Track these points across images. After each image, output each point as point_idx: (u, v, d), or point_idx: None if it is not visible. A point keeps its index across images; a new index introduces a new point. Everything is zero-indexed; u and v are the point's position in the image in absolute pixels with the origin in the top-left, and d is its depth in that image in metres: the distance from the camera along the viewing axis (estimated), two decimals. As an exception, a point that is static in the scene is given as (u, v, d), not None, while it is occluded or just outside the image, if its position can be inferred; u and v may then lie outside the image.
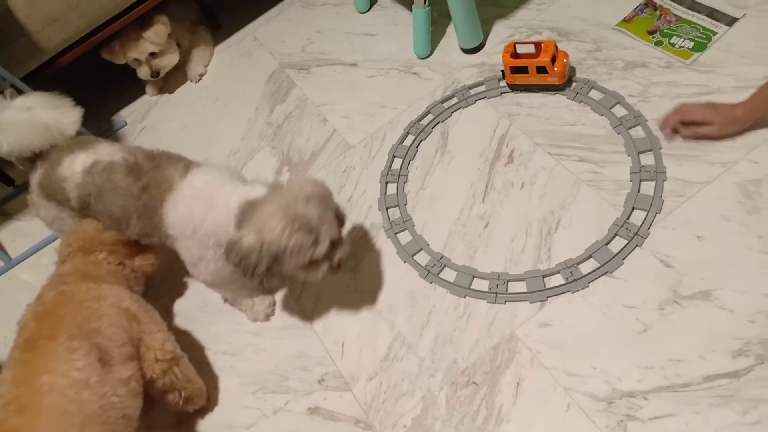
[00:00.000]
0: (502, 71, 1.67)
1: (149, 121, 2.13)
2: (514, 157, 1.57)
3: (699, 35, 1.60)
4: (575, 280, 1.33)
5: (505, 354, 1.29)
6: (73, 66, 1.95)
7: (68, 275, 1.32)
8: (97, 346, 1.14)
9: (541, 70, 1.58)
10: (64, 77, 2.02)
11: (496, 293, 1.37)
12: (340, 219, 1.28)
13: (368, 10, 2.11)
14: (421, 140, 1.70)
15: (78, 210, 1.42)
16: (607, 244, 1.35)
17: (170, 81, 2.21)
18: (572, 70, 1.66)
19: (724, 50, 1.56)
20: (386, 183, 1.65)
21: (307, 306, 1.51)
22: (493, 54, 1.81)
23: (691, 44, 1.59)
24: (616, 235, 1.36)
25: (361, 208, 1.63)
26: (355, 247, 1.56)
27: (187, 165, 1.32)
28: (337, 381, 1.38)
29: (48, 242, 1.88)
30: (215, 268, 1.32)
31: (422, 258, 1.49)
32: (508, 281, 1.38)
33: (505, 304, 1.36)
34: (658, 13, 1.69)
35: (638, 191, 1.40)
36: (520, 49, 1.60)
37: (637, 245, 1.33)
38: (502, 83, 1.72)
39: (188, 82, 2.19)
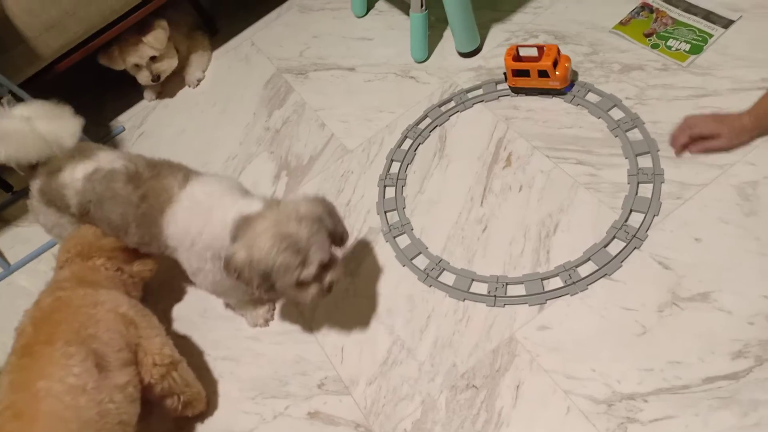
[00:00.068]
0: (504, 74, 1.67)
1: (147, 127, 2.13)
2: (511, 160, 1.57)
3: (695, 38, 1.61)
4: (574, 282, 1.33)
5: (505, 357, 1.29)
6: (71, 72, 1.95)
7: (65, 281, 1.31)
8: (93, 351, 1.14)
9: (543, 74, 1.59)
10: (62, 83, 2.02)
11: (495, 296, 1.37)
12: (339, 239, 1.26)
13: (365, 14, 2.12)
14: (419, 144, 1.71)
15: (78, 217, 1.42)
16: (605, 246, 1.35)
17: (168, 86, 2.21)
18: (574, 74, 1.66)
19: (720, 53, 1.56)
20: (384, 187, 1.65)
21: (306, 311, 1.51)
22: (490, 57, 1.81)
23: (687, 47, 1.60)
24: (614, 237, 1.36)
25: (360, 212, 1.63)
26: (353, 251, 1.56)
27: (187, 174, 1.32)
28: (336, 385, 1.38)
29: (46, 248, 1.87)
30: (214, 280, 1.32)
31: (421, 262, 1.49)
32: (506, 284, 1.38)
33: (504, 307, 1.36)
34: (654, 15, 1.70)
35: (636, 194, 1.40)
36: (523, 52, 1.61)
37: (635, 248, 1.33)
38: (500, 86, 1.72)
39: (186, 87, 2.19)
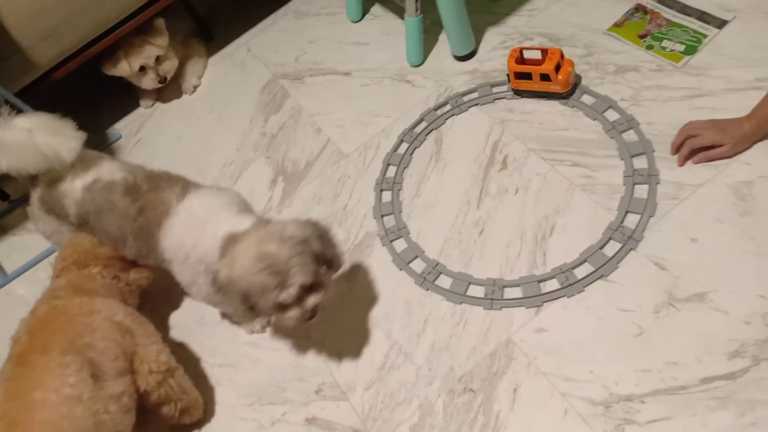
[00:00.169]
0: (507, 76, 1.67)
1: (144, 134, 2.13)
2: (507, 162, 1.57)
3: (689, 38, 1.61)
4: (570, 284, 1.33)
5: (502, 360, 1.29)
6: (67, 80, 1.96)
7: (61, 289, 1.31)
8: (89, 361, 1.14)
9: (545, 77, 1.58)
10: (59, 91, 2.02)
11: (492, 299, 1.37)
12: (328, 263, 1.21)
13: (361, 19, 2.12)
14: (415, 148, 1.71)
15: (77, 226, 1.42)
16: (601, 248, 1.35)
17: (165, 93, 2.22)
18: (578, 78, 1.65)
19: (714, 53, 1.56)
20: (381, 191, 1.66)
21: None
22: (486, 61, 1.81)
23: (681, 47, 1.60)
24: (610, 239, 1.36)
25: (357, 217, 1.63)
26: (350, 255, 1.56)
27: (185, 187, 1.31)
28: (334, 391, 1.38)
29: (44, 257, 1.87)
30: (207, 292, 1.31)
31: (418, 265, 1.49)
32: (503, 287, 1.38)
33: (501, 310, 1.36)
34: (648, 17, 1.70)
35: (632, 195, 1.40)
36: (527, 55, 1.61)
37: (631, 249, 1.33)
38: (495, 89, 1.72)
39: (182, 94, 2.20)
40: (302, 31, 2.19)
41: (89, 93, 2.32)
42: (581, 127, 1.56)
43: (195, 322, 1.59)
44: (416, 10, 1.78)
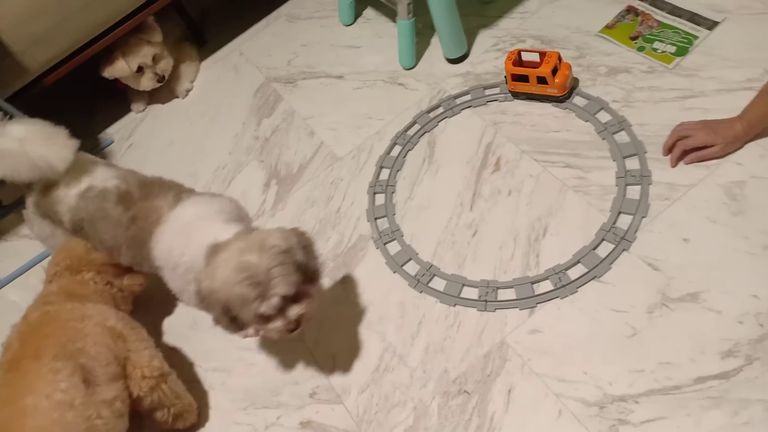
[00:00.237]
0: (505, 77, 1.67)
1: (136, 138, 2.12)
2: (500, 164, 1.57)
3: (681, 40, 1.61)
4: (564, 285, 1.33)
5: (496, 362, 1.29)
6: (59, 85, 1.95)
7: (53, 295, 1.31)
8: (81, 366, 1.13)
9: (542, 80, 1.58)
10: (50, 96, 2.02)
11: (485, 301, 1.37)
12: (309, 274, 1.17)
13: (353, 22, 2.12)
14: (408, 150, 1.71)
15: (72, 231, 1.42)
16: (594, 249, 1.36)
17: (157, 97, 2.21)
18: (575, 81, 1.64)
19: (705, 54, 1.57)
20: (374, 194, 1.65)
21: (297, 319, 1.50)
22: (478, 63, 1.81)
23: (673, 49, 1.61)
24: (603, 239, 1.36)
25: (350, 220, 1.63)
26: (344, 258, 1.56)
27: (178, 195, 1.29)
28: (328, 394, 1.37)
29: (36, 262, 1.87)
30: (198, 301, 1.30)
31: (411, 268, 1.49)
32: (497, 289, 1.38)
33: (494, 311, 1.36)
34: (639, 18, 1.71)
35: (624, 196, 1.40)
36: (525, 57, 1.61)
37: (624, 249, 1.33)
38: (488, 92, 1.73)
39: (175, 98, 2.19)
40: (295, 35, 2.19)
41: (81, 98, 2.31)
42: (573, 128, 1.57)
43: (188, 327, 1.58)
44: (408, 13, 1.78)
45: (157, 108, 2.20)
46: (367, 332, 1.43)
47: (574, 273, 1.34)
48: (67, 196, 1.37)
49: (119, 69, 2.01)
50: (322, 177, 1.75)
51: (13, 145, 1.32)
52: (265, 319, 1.12)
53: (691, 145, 1.38)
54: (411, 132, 1.74)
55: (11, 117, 1.67)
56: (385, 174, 1.68)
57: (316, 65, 2.05)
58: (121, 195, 1.31)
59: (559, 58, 1.58)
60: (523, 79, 1.61)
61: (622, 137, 1.50)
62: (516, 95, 1.68)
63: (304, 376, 1.41)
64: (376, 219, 1.60)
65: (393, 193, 1.64)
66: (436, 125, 1.73)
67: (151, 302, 1.62)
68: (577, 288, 1.32)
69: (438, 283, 1.44)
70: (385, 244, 1.55)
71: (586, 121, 1.56)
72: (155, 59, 2.05)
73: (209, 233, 1.18)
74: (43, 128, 1.38)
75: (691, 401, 1.13)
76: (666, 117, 1.48)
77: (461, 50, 1.82)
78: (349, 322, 1.45)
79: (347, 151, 1.78)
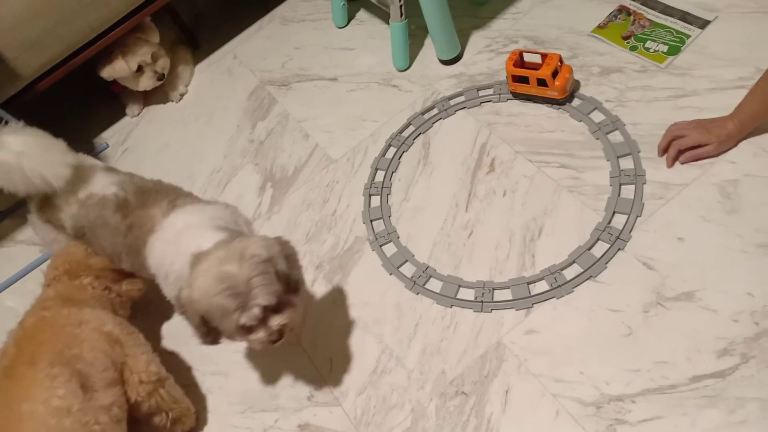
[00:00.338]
0: (507, 78, 1.66)
1: (131, 143, 2.12)
2: (495, 165, 1.58)
3: (673, 39, 1.62)
4: (560, 285, 1.33)
5: (493, 363, 1.29)
6: (53, 89, 1.94)
7: (50, 300, 1.31)
8: (78, 372, 1.13)
9: (542, 82, 1.58)
10: (44, 101, 2.01)
11: (482, 302, 1.38)
12: (291, 284, 1.15)
13: (346, 25, 2.12)
14: (403, 152, 1.71)
15: (74, 237, 1.42)
16: (589, 248, 1.36)
17: (151, 101, 2.21)
18: (576, 84, 1.63)
19: (697, 53, 1.58)
20: (370, 196, 1.66)
21: (293, 322, 1.50)
22: (471, 64, 1.82)
23: (665, 48, 1.61)
24: (598, 239, 1.36)
25: (346, 222, 1.63)
26: (340, 261, 1.56)
27: (173, 202, 1.28)
28: (326, 396, 1.37)
29: (32, 268, 1.86)
30: None
31: (408, 269, 1.49)
32: (493, 289, 1.38)
33: (491, 312, 1.36)
34: (631, 18, 1.71)
35: (618, 195, 1.41)
36: (528, 58, 1.61)
37: (619, 249, 1.34)
38: (481, 93, 1.73)
39: (169, 102, 2.19)
40: (288, 38, 2.19)
41: (75, 103, 2.31)
42: (567, 128, 1.57)
43: (186, 331, 1.54)
44: (401, 15, 1.79)
45: (151, 112, 2.20)
46: (363, 334, 1.43)
47: (569, 273, 1.35)
48: (68, 203, 1.37)
49: (119, 69, 2.01)
50: (317, 179, 1.75)
51: (9, 158, 1.30)
52: (247, 330, 1.10)
53: (685, 145, 1.38)
54: (406, 134, 1.74)
55: (6, 123, 1.67)
56: (380, 176, 1.69)
57: (309, 68, 2.05)
58: (119, 203, 1.31)
59: (561, 61, 1.58)
60: (524, 80, 1.61)
61: (615, 137, 1.50)
62: (517, 96, 1.67)
63: (302, 378, 1.41)
64: (371, 221, 1.60)
65: (388, 194, 1.64)
66: (431, 126, 1.73)
67: (149, 307, 1.61)
68: (573, 288, 1.33)
69: (434, 285, 1.44)
70: (381, 246, 1.55)
71: (580, 121, 1.57)
72: (153, 58, 2.05)
73: (195, 241, 1.15)
74: (41, 141, 1.37)
75: (688, 400, 1.13)
76: (659, 116, 1.49)
77: (454, 51, 1.83)
78: (346, 324, 1.46)
79: (342, 154, 1.78)
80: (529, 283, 1.36)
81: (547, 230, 1.42)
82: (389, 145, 1.73)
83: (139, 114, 2.20)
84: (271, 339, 1.12)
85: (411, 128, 1.75)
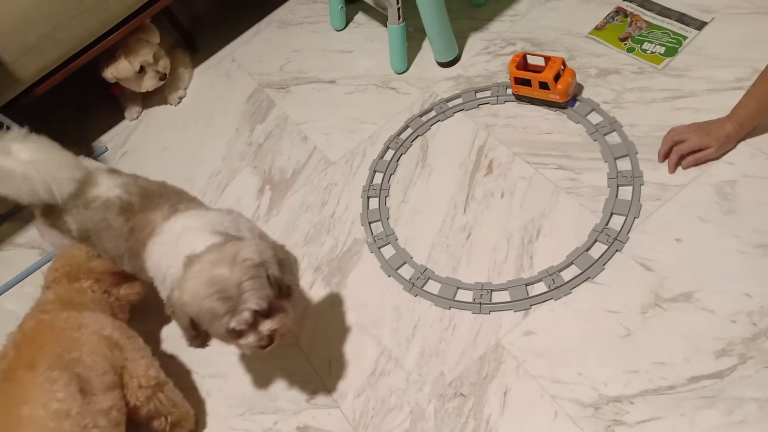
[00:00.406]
0: (510, 80, 1.66)
1: (130, 146, 2.13)
2: (493, 167, 1.58)
3: (670, 40, 1.62)
4: (558, 287, 1.34)
5: (492, 364, 1.30)
6: (51, 93, 1.95)
7: (49, 304, 1.31)
8: (77, 375, 1.13)
9: (544, 85, 1.58)
10: (42, 104, 2.02)
11: (480, 303, 1.38)
12: (284, 288, 1.15)
13: (344, 27, 2.13)
14: (401, 154, 1.71)
15: (79, 240, 1.42)
16: (587, 250, 1.36)
17: (150, 104, 2.22)
18: (579, 88, 1.63)
19: (694, 54, 1.58)
20: (368, 198, 1.66)
21: (293, 325, 1.50)
22: (469, 66, 1.82)
23: (662, 49, 1.62)
24: (596, 240, 1.37)
25: (344, 224, 1.64)
26: (339, 263, 1.57)
27: (174, 206, 1.28)
28: (325, 399, 1.37)
29: (32, 271, 1.87)
30: None
31: (406, 271, 1.49)
32: (491, 291, 1.39)
33: (489, 314, 1.36)
34: (629, 20, 1.72)
35: (616, 196, 1.41)
36: (531, 60, 1.61)
37: (617, 250, 1.34)
38: (479, 95, 1.73)
39: (168, 105, 2.19)
40: (286, 41, 2.19)
41: (73, 107, 2.31)
42: (565, 130, 1.57)
43: None
44: (399, 18, 1.79)
45: (150, 115, 2.20)
46: (362, 336, 1.43)
47: (567, 274, 1.35)
48: (73, 207, 1.37)
49: (122, 69, 2.02)
50: (315, 182, 1.75)
51: (17, 167, 1.30)
52: (237, 334, 1.09)
53: (687, 150, 1.38)
54: (404, 136, 1.74)
55: (8, 128, 1.67)
56: (378, 178, 1.69)
57: (308, 70, 2.06)
58: (123, 205, 1.32)
59: (564, 64, 1.57)
60: (526, 83, 1.61)
61: (613, 138, 1.51)
62: (519, 98, 1.67)
63: (301, 381, 1.42)
64: (370, 223, 1.61)
65: (387, 196, 1.64)
66: (429, 129, 1.73)
67: (148, 310, 1.61)
68: (571, 289, 1.33)
69: (433, 287, 1.44)
70: (379, 248, 1.55)
71: (578, 122, 1.57)
72: (155, 58, 2.06)
73: (190, 244, 1.15)
74: (49, 151, 1.36)
75: (686, 401, 1.13)
76: (656, 117, 1.49)
77: (452, 54, 1.83)
78: (345, 326, 1.46)
79: (340, 156, 1.78)
80: (527, 285, 1.36)
81: (545, 232, 1.43)
82: (387, 148, 1.74)
83: (137, 117, 2.21)
84: (261, 344, 1.11)
85: (409, 130, 1.75)
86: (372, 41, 2.04)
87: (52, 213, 1.41)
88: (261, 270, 1.08)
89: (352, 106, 1.89)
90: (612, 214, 1.39)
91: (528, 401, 1.23)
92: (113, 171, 1.45)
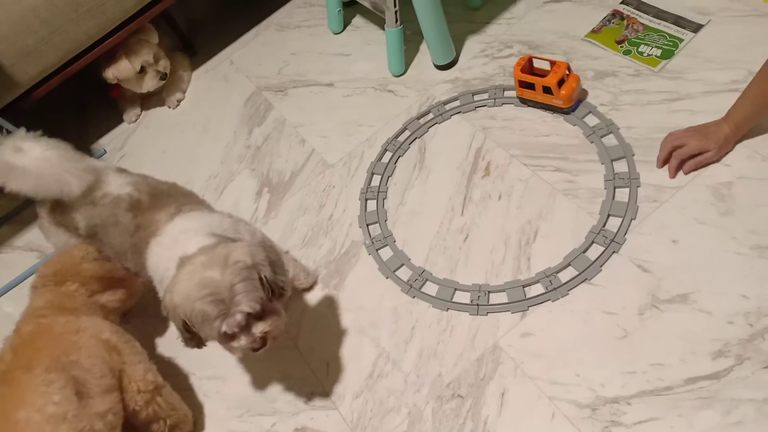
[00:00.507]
0: (515, 83, 1.66)
1: (129, 149, 2.13)
2: (490, 169, 1.58)
3: (666, 43, 1.63)
4: (555, 288, 1.34)
5: (489, 365, 1.30)
6: (49, 96, 1.95)
7: (44, 308, 1.30)
8: (74, 378, 1.13)
9: (547, 90, 1.57)
10: (40, 108, 2.02)
11: (477, 305, 1.38)
12: (276, 290, 1.14)
13: (342, 30, 2.13)
14: (399, 156, 1.72)
15: (86, 237, 1.42)
16: (584, 251, 1.37)
17: (148, 107, 2.22)
18: (584, 94, 1.63)
19: (691, 56, 1.59)
20: (366, 200, 1.66)
21: (291, 326, 1.50)
22: (466, 69, 1.83)
23: (658, 52, 1.62)
24: (593, 242, 1.37)
25: (342, 226, 1.64)
26: (337, 265, 1.57)
27: (179, 207, 1.28)
28: (323, 400, 1.38)
29: (30, 274, 1.86)
30: None
31: (404, 273, 1.49)
32: (489, 293, 1.39)
33: (487, 315, 1.37)
34: (625, 22, 1.72)
35: (613, 198, 1.41)
36: (537, 64, 1.61)
37: (614, 252, 1.34)
38: (476, 97, 1.74)
39: (166, 108, 2.20)
40: (284, 44, 2.20)
41: (72, 109, 2.32)
42: (562, 132, 1.58)
43: None
44: (396, 21, 1.80)
45: (149, 118, 2.21)
46: (360, 338, 1.43)
47: (564, 276, 1.35)
48: (83, 203, 1.37)
49: (123, 69, 2.03)
50: (313, 184, 1.76)
51: (32, 163, 1.31)
52: (229, 336, 1.08)
53: (686, 154, 1.38)
54: (401, 138, 1.75)
55: (8, 132, 1.67)
56: (376, 180, 1.69)
57: (305, 73, 2.06)
58: (132, 202, 1.32)
59: (569, 69, 1.57)
60: (530, 86, 1.61)
61: (610, 140, 1.51)
62: (524, 102, 1.67)
63: (299, 382, 1.42)
64: (368, 225, 1.61)
65: (384, 199, 1.65)
66: (426, 131, 1.74)
67: (146, 312, 1.62)
68: (568, 291, 1.33)
69: (430, 288, 1.45)
70: (377, 250, 1.55)
71: (574, 125, 1.58)
72: (155, 58, 2.07)
73: (184, 246, 1.15)
74: (66, 151, 1.36)
75: (683, 402, 1.13)
76: (653, 120, 1.50)
77: (449, 57, 1.84)
78: (343, 328, 1.46)
79: (338, 159, 1.79)
80: (524, 286, 1.37)
81: (543, 233, 1.43)
82: (385, 150, 1.74)
83: (136, 120, 2.21)
84: (254, 346, 1.10)
85: (407, 133, 1.76)
86: (369, 44, 2.05)
87: (60, 210, 1.41)
88: (253, 272, 1.08)
89: (350, 108, 1.90)
90: (609, 215, 1.39)
91: (525, 402, 1.23)
92: (122, 170, 1.46)
